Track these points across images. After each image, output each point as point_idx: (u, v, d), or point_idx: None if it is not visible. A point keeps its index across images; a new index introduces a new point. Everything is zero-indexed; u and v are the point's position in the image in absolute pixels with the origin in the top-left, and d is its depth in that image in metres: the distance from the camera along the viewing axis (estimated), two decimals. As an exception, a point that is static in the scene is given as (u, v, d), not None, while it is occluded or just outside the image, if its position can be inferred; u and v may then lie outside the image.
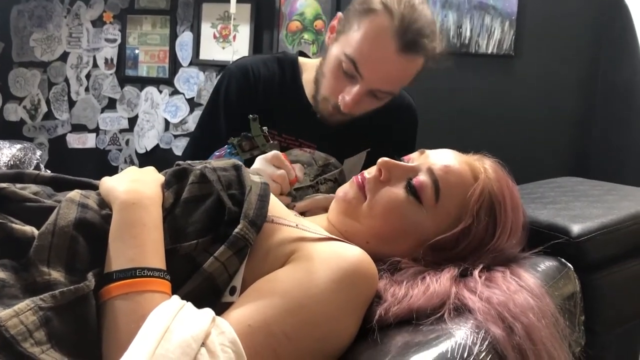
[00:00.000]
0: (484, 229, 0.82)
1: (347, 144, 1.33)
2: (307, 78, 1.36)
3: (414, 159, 0.88)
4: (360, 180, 0.88)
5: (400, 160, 0.88)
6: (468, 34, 2.64)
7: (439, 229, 0.82)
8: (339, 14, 1.27)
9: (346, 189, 0.89)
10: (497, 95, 2.63)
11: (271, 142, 1.15)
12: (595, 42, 2.55)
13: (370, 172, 0.88)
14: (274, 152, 1.04)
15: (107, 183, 0.77)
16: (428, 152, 0.89)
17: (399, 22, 1.12)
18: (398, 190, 0.84)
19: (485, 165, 0.87)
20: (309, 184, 1.14)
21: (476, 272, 0.76)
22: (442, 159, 0.86)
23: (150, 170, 0.83)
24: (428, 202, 0.82)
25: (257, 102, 1.32)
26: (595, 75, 2.55)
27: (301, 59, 1.42)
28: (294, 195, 1.06)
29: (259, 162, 1.02)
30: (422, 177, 0.83)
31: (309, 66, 1.39)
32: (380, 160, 0.87)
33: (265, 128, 1.14)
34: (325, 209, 0.98)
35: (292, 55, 1.44)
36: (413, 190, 0.83)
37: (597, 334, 0.94)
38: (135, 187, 0.73)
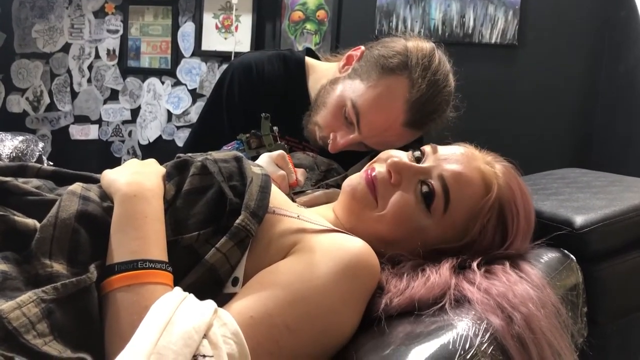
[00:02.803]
0: (491, 240, 0.81)
1: (349, 151, 1.26)
2: (314, 81, 1.32)
3: (426, 156, 0.85)
4: (370, 178, 0.84)
5: (414, 152, 0.86)
6: (471, 23, 2.63)
7: (443, 238, 0.81)
8: (362, 48, 1.22)
9: (354, 185, 0.85)
10: (500, 85, 2.62)
11: (279, 142, 1.14)
12: (599, 31, 2.53)
13: (380, 171, 0.85)
14: (280, 151, 1.02)
15: (109, 175, 0.77)
16: (440, 150, 0.85)
17: (416, 97, 1.08)
18: (409, 196, 0.81)
19: (497, 171, 0.84)
20: (309, 189, 1.11)
21: (474, 264, 0.75)
22: (454, 163, 0.82)
23: (151, 162, 0.82)
24: (436, 211, 0.80)
25: (260, 100, 1.30)
26: (599, 65, 2.54)
27: (308, 60, 1.37)
28: (291, 199, 1.04)
29: (263, 159, 1.01)
30: (433, 184, 0.81)
31: (316, 69, 1.35)
32: (390, 161, 0.84)
33: (275, 128, 1.12)
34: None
35: (299, 54, 1.40)
36: (423, 197, 0.80)
37: (599, 326, 0.94)
38: (137, 179, 0.73)
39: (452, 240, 0.81)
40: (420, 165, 0.84)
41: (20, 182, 0.74)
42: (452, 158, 0.84)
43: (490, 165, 0.85)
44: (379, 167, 0.86)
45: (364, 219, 0.83)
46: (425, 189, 0.81)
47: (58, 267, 0.62)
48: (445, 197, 0.80)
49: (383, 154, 0.88)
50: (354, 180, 0.87)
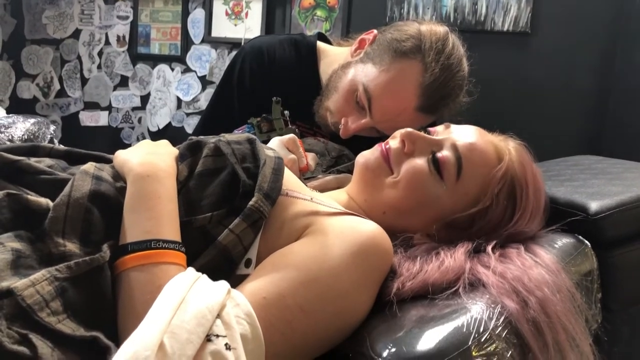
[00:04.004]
0: (502, 212, 0.81)
1: (361, 137, 1.25)
2: (325, 66, 1.31)
3: (439, 132, 0.87)
4: (384, 150, 0.86)
5: (426, 132, 0.87)
6: (484, 10, 2.60)
7: (456, 207, 0.82)
8: (375, 31, 1.21)
9: (367, 157, 0.88)
10: (513, 73, 2.59)
11: (290, 126, 1.13)
12: (613, 19, 2.49)
13: (394, 143, 0.87)
14: (291, 135, 1.02)
15: (121, 156, 0.77)
16: (453, 127, 0.88)
17: (429, 81, 1.08)
18: (421, 162, 0.83)
19: (510, 147, 0.86)
20: (320, 175, 1.10)
21: (489, 248, 0.76)
22: (467, 136, 0.84)
23: (164, 143, 0.82)
24: (449, 179, 0.81)
25: (271, 85, 1.28)
26: (613, 53, 2.50)
27: (320, 45, 1.37)
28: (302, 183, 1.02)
29: (274, 143, 1.00)
30: (446, 152, 0.82)
31: (328, 53, 1.34)
32: (403, 131, 0.86)
33: (286, 112, 1.12)
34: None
35: (310, 39, 1.39)
36: (436, 164, 0.82)
37: (613, 312, 0.93)
38: (150, 159, 0.73)
39: (465, 209, 0.81)
40: (433, 137, 0.85)
41: (32, 161, 0.74)
42: (464, 132, 0.86)
43: (503, 141, 0.87)
44: (392, 141, 0.88)
45: (378, 188, 0.84)
46: (438, 155, 0.82)
47: (71, 246, 0.62)
48: (457, 164, 0.81)
49: (397, 132, 0.89)
50: (368, 153, 0.89)
